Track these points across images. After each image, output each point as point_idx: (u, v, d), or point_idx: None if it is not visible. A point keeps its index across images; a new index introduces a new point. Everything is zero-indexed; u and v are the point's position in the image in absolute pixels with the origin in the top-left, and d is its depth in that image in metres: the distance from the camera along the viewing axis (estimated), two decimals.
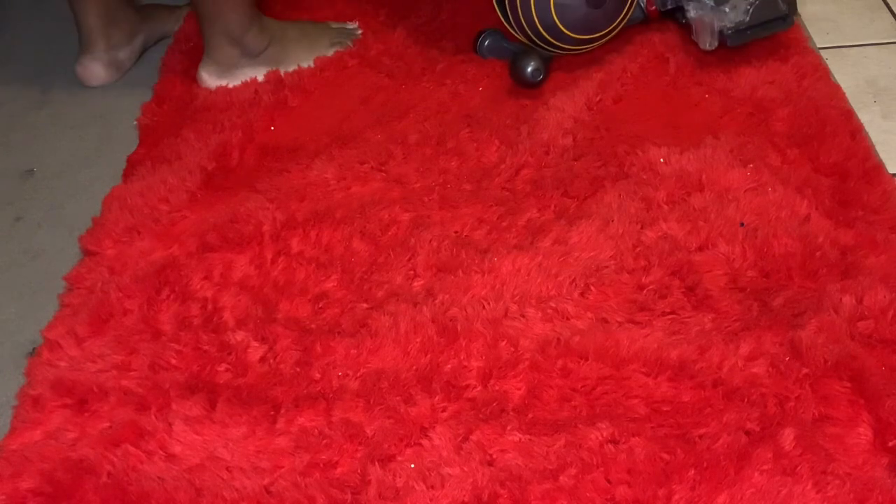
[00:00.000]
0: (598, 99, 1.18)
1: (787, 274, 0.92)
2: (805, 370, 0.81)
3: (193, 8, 1.21)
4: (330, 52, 1.30)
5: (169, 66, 1.32)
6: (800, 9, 1.33)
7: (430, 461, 0.77)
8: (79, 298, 0.96)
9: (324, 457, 0.78)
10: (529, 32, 1.17)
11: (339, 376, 0.86)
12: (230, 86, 1.24)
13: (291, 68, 1.27)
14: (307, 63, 1.28)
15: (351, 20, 1.37)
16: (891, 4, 1.35)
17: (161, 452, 0.80)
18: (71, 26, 1.29)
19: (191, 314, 0.92)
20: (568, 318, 0.89)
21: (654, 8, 1.25)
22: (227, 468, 0.78)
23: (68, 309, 0.95)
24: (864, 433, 0.77)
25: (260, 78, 1.25)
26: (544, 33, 1.15)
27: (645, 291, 0.91)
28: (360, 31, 1.35)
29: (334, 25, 1.35)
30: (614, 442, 0.77)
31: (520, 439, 0.78)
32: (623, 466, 0.75)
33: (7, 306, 0.99)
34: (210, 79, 1.25)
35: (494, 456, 0.78)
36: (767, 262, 0.93)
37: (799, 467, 0.74)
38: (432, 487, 0.76)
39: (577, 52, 1.20)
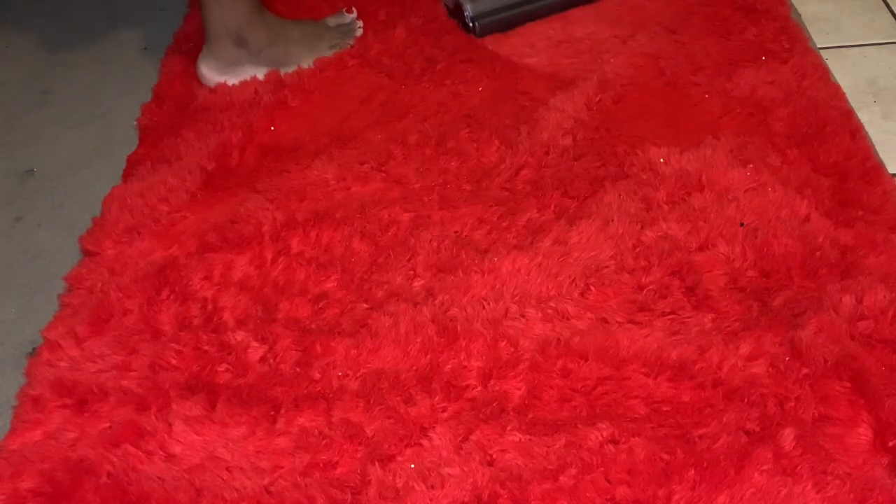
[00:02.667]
0: (597, 99, 1.18)
1: (787, 274, 0.92)
2: (805, 370, 0.81)
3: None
4: (329, 54, 1.30)
5: (169, 67, 1.32)
6: (800, 9, 1.33)
7: (430, 461, 0.77)
8: (79, 298, 0.96)
9: (324, 457, 0.78)
10: None
11: (339, 376, 0.86)
12: (230, 83, 1.24)
13: (291, 69, 1.27)
14: (307, 64, 1.28)
15: (349, 13, 1.37)
16: (891, 4, 1.35)
17: (161, 452, 0.80)
18: (71, 26, 1.29)
19: (191, 314, 0.92)
20: (568, 319, 0.89)
21: None
22: (227, 468, 0.78)
23: (68, 309, 0.95)
24: (864, 433, 0.77)
25: (260, 77, 1.25)
26: None
27: (645, 291, 0.91)
28: (360, 24, 1.35)
29: (332, 24, 1.34)
30: (614, 442, 0.77)
31: (520, 439, 0.78)
32: (623, 466, 0.75)
33: (7, 306, 0.99)
34: (210, 73, 1.24)
35: (494, 456, 0.78)
36: (767, 262, 0.93)
37: (799, 467, 0.74)
38: (432, 487, 0.75)
39: None
